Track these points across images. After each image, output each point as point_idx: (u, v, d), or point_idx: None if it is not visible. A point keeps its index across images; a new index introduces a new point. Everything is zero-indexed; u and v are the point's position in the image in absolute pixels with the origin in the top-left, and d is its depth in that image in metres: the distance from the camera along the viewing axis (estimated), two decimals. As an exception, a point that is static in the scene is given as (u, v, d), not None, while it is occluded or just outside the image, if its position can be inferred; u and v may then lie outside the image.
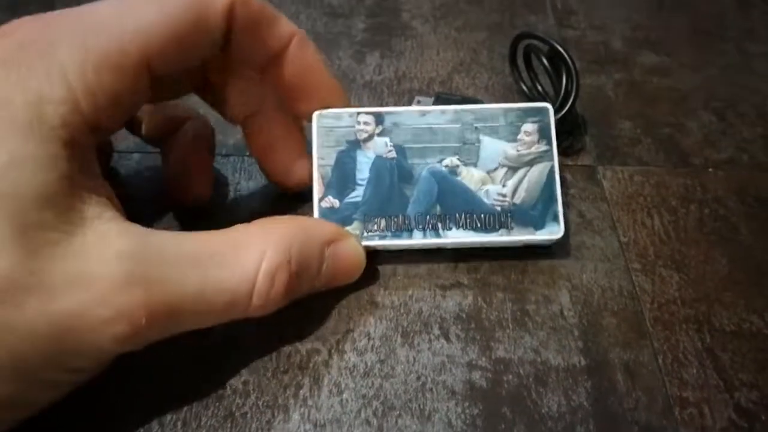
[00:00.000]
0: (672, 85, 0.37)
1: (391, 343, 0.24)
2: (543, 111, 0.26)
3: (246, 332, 0.24)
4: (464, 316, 0.25)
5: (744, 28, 0.43)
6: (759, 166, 0.32)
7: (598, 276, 0.26)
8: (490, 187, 0.26)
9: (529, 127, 0.26)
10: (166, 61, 0.21)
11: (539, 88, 0.34)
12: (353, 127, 0.26)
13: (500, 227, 0.26)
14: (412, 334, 0.24)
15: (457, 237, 0.25)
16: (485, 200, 0.26)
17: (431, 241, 0.26)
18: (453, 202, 0.26)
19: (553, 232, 0.26)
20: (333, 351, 0.24)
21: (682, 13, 0.44)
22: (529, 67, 0.35)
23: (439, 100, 0.32)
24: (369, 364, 0.23)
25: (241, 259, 0.21)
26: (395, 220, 0.26)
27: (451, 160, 0.26)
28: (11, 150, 0.17)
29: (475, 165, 0.26)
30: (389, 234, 0.26)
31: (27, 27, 0.20)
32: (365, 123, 0.26)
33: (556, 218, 0.26)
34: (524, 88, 0.35)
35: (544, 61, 0.33)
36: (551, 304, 0.25)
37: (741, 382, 0.23)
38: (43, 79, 0.18)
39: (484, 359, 0.24)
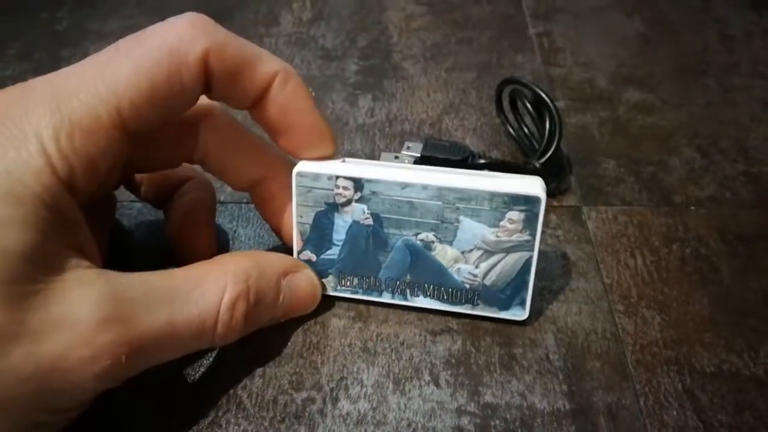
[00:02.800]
0: (656, 122, 0.39)
1: (383, 390, 0.25)
2: (532, 200, 0.24)
3: (244, 383, 0.25)
4: (453, 361, 0.26)
5: (727, 62, 0.44)
6: (741, 203, 0.33)
7: (582, 318, 0.27)
8: (462, 266, 0.26)
9: (514, 215, 0.25)
10: (143, 119, 0.22)
11: (525, 130, 0.35)
12: (332, 190, 0.25)
13: (466, 302, 0.27)
14: (403, 381, 0.25)
15: (423, 304, 0.27)
16: (455, 277, 0.26)
17: (399, 302, 0.27)
18: (423, 274, 0.26)
19: (516, 315, 0.26)
20: (327, 399, 0.25)
21: (667, 49, 0.45)
22: (515, 110, 0.36)
23: (429, 145, 0.33)
24: (362, 411, 0.24)
25: (205, 293, 0.22)
26: (367, 280, 0.27)
27: (427, 236, 0.26)
28: None
29: (450, 243, 0.26)
30: (360, 291, 0.27)
31: (6, 96, 0.21)
32: (344, 188, 0.25)
33: (522, 303, 0.26)
34: (511, 131, 0.36)
35: (528, 106, 0.34)
36: (537, 347, 0.26)
37: (720, 423, 0.24)
38: (20, 148, 0.19)
39: (472, 404, 0.24)
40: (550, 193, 0.33)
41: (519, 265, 0.25)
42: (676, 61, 0.44)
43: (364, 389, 0.25)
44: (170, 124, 0.25)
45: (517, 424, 0.24)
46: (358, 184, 0.25)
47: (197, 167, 0.28)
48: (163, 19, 0.23)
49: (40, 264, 0.19)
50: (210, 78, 0.23)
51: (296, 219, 0.26)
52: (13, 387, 0.18)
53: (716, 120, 0.39)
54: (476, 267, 0.26)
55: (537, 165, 0.32)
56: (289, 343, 0.27)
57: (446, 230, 0.25)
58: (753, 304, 0.28)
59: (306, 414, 0.24)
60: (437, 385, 0.25)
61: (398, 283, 0.27)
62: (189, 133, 0.26)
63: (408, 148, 0.33)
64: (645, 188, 0.34)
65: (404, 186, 0.25)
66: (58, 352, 0.19)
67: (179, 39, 0.22)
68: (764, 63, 0.44)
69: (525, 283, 0.26)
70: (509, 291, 0.26)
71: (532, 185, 0.25)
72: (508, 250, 0.25)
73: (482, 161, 0.32)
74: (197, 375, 0.26)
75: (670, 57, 0.44)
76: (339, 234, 0.26)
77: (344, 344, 0.27)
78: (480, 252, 0.25)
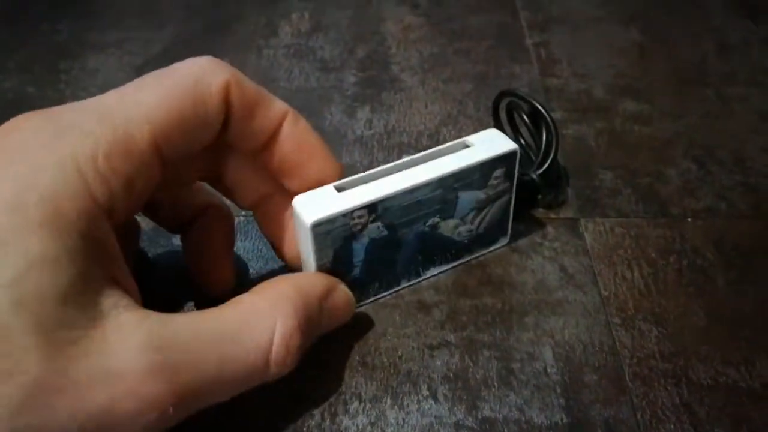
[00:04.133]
0: (652, 133, 0.39)
1: (381, 405, 0.25)
2: (510, 155, 0.28)
3: (244, 399, 0.25)
4: (451, 375, 0.26)
5: (724, 72, 0.44)
6: (737, 214, 0.33)
7: (579, 331, 0.28)
8: (461, 228, 0.29)
9: (498, 172, 0.28)
10: (172, 145, 0.22)
11: (522, 141, 0.36)
12: (348, 224, 0.25)
13: (466, 253, 0.30)
14: (401, 395, 0.25)
15: (432, 272, 0.30)
16: (457, 239, 0.29)
17: (412, 282, 0.30)
18: (432, 250, 0.29)
19: (501, 242, 0.31)
20: (326, 414, 0.25)
21: (664, 58, 0.46)
22: (512, 122, 0.36)
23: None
24: (360, 426, 0.24)
25: (254, 334, 0.22)
26: (386, 280, 0.29)
27: (433, 220, 0.28)
28: (29, 252, 0.17)
29: (452, 216, 0.28)
30: (382, 290, 0.29)
31: (33, 121, 0.20)
32: (359, 217, 0.25)
33: (505, 233, 0.31)
34: (508, 142, 0.36)
35: (525, 118, 0.34)
36: (535, 361, 0.26)
37: (717, 436, 0.24)
38: (55, 172, 0.19)
39: (470, 419, 0.25)
40: (547, 205, 0.34)
41: (503, 206, 0.29)
42: (673, 71, 0.44)
43: (363, 404, 0.25)
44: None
45: (514, 438, 0.24)
46: (371, 208, 0.25)
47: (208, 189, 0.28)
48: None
49: (77, 307, 0.18)
50: (229, 111, 0.24)
51: (316, 263, 0.26)
52: None
53: (713, 130, 0.39)
54: (471, 223, 0.29)
55: (534, 176, 0.32)
56: (287, 358, 0.27)
57: (447, 208, 0.28)
58: (749, 316, 0.28)
59: (305, 429, 0.24)
60: (435, 399, 0.25)
61: (411, 266, 0.29)
62: (213, 150, 0.26)
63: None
64: (642, 199, 0.34)
65: (413, 190, 0.26)
66: (104, 406, 0.18)
67: (203, 71, 0.23)
68: (761, 72, 0.44)
69: (507, 216, 0.30)
70: (497, 228, 0.30)
71: (499, 140, 0.28)
72: (495, 199, 0.29)
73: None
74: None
75: (667, 67, 0.45)
76: (358, 257, 0.27)
77: (343, 358, 0.27)
78: (474, 211, 0.29)
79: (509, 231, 0.31)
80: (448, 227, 0.28)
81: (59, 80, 0.44)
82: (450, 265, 0.30)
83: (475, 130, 0.38)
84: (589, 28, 0.49)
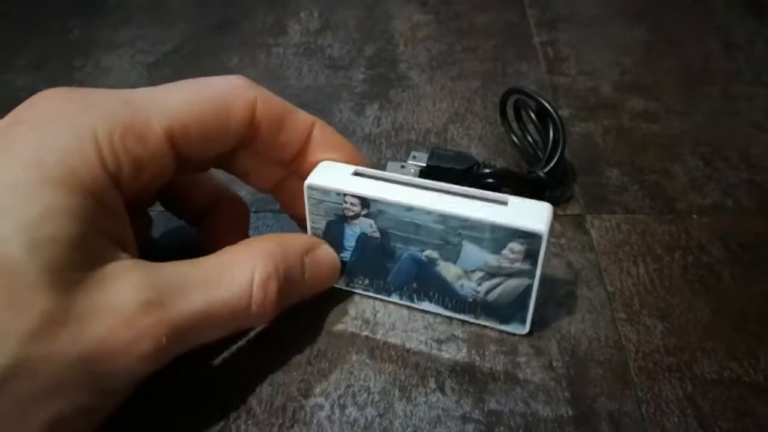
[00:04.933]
0: (659, 130, 0.39)
1: (390, 398, 0.26)
2: (534, 236, 0.24)
3: (254, 390, 0.26)
4: (459, 369, 0.26)
5: (730, 69, 0.45)
6: (743, 210, 0.34)
7: (585, 326, 0.28)
8: (465, 282, 0.26)
9: (515, 246, 0.25)
10: (191, 146, 0.24)
11: (530, 139, 0.36)
12: (340, 204, 0.26)
13: (469, 312, 0.28)
14: (409, 388, 0.26)
15: (429, 308, 0.28)
16: (459, 291, 0.27)
17: (407, 303, 0.28)
18: (429, 284, 0.27)
19: (517, 329, 0.27)
20: (335, 406, 0.25)
21: (670, 57, 0.46)
22: (519, 119, 0.36)
23: (434, 154, 0.34)
24: (369, 418, 0.25)
25: (235, 277, 0.23)
26: (377, 282, 0.28)
27: (431, 253, 0.26)
28: (46, 203, 0.19)
29: (454, 262, 0.26)
30: (371, 290, 0.29)
31: (62, 95, 0.23)
32: (351, 204, 0.26)
33: (523, 321, 0.27)
34: (515, 139, 0.36)
35: (532, 115, 0.34)
36: (541, 355, 0.27)
37: (721, 430, 0.24)
38: (74, 140, 0.21)
39: (477, 412, 0.25)
40: (554, 202, 0.34)
41: (520, 289, 0.26)
42: (680, 69, 0.44)
43: (371, 396, 0.26)
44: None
45: (521, 431, 0.24)
46: (364, 202, 0.26)
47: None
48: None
49: (86, 253, 0.20)
50: (258, 126, 0.26)
51: (310, 224, 0.28)
52: (62, 370, 0.19)
53: (719, 128, 0.39)
54: (479, 285, 0.26)
55: (541, 174, 0.33)
56: (297, 351, 0.27)
57: (449, 251, 0.26)
58: (754, 311, 0.28)
59: (314, 421, 0.25)
60: (443, 392, 0.26)
61: (405, 288, 0.28)
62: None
63: (414, 157, 0.34)
64: (648, 196, 0.34)
65: (409, 208, 0.25)
66: (102, 335, 0.20)
67: (232, 86, 0.25)
68: (767, 71, 0.44)
69: (526, 305, 0.26)
70: (510, 309, 0.27)
71: (536, 217, 0.24)
72: (510, 275, 0.26)
73: (487, 170, 0.33)
74: (208, 382, 0.26)
75: (673, 65, 0.45)
76: (349, 241, 0.27)
77: (351, 351, 0.27)
78: (482, 273, 0.26)
79: (528, 322, 0.27)
80: (449, 272, 0.26)
81: (72, 79, 0.45)
82: (448, 313, 0.28)
83: (483, 128, 0.39)
84: (595, 27, 0.49)
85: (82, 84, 0.44)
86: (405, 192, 0.26)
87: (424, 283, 0.27)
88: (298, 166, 0.28)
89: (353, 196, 0.26)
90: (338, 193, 0.26)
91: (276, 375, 0.26)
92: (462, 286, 0.27)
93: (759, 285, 0.30)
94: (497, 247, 0.25)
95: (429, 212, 0.25)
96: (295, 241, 0.27)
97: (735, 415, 0.25)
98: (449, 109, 0.41)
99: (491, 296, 0.27)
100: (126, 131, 0.22)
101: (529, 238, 0.24)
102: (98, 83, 0.45)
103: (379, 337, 0.28)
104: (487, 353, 0.27)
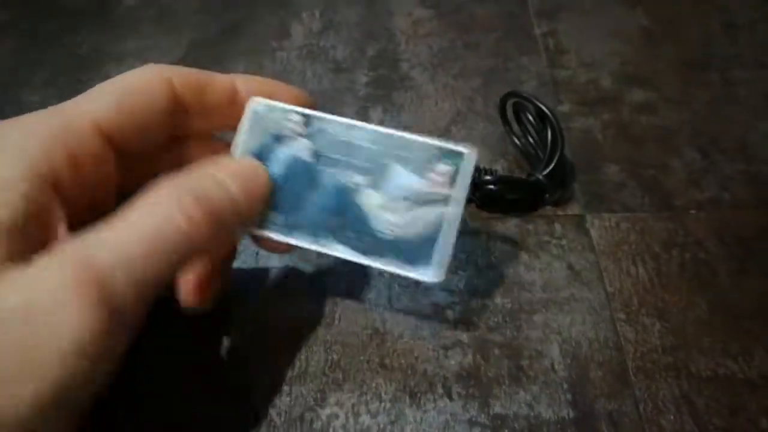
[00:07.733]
0: (658, 123, 0.40)
1: (401, 404, 0.27)
2: (460, 155, 0.25)
3: (273, 401, 0.27)
4: (465, 374, 0.28)
5: (730, 54, 0.45)
6: (740, 204, 0.34)
7: (586, 328, 0.29)
8: (386, 215, 0.26)
9: (442, 168, 0.25)
10: (125, 136, 0.25)
11: (531, 140, 0.37)
12: (281, 121, 0.27)
13: (380, 254, 0.26)
14: (419, 395, 0.27)
15: (334, 250, 0.26)
16: (375, 226, 0.26)
17: (316, 248, 0.26)
18: (345, 221, 0.26)
19: (420, 274, 0.25)
20: (349, 414, 0.27)
21: (670, 43, 0.46)
22: (519, 121, 0.37)
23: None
24: (382, 425, 0.27)
25: (160, 210, 0.23)
26: (291, 218, 0.27)
27: (358, 179, 0.26)
28: None
29: (379, 189, 0.26)
30: (284, 230, 0.27)
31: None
32: (294, 122, 0.27)
33: (427, 259, 0.25)
34: (516, 141, 0.37)
35: (531, 118, 0.35)
36: (543, 358, 0.28)
37: (715, 426, 0.26)
38: (4, 145, 0.22)
39: (483, 416, 0.27)
40: (555, 203, 0.35)
41: (437, 220, 0.25)
42: (680, 55, 0.45)
43: (383, 404, 0.27)
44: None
45: (524, 433, 0.26)
46: (308, 120, 0.27)
47: None
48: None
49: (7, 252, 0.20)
50: (182, 98, 0.27)
51: (240, 145, 0.27)
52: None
53: (718, 116, 0.40)
54: (400, 217, 0.26)
55: (541, 177, 0.34)
56: (313, 362, 0.29)
57: (377, 175, 0.26)
58: (749, 307, 0.30)
59: (331, 429, 0.27)
60: (450, 397, 0.27)
61: (319, 228, 0.26)
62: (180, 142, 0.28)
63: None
64: (646, 192, 0.35)
65: (350, 127, 0.26)
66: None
67: (142, 70, 0.27)
68: (767, 53, 0.44)
69: (436, 238, 0.25)
70: (421, 245, 0.25)
71: (471, 145, 0.25)
72: (431, 203, 0.25)
73: (488, 177, 0.34)
74: (229, 395, 0.28)
75: (672, 50, 0.45)
76: (276, 167, 0.27)
77: (363, 361, 0.29)
78: (406, 203, 0.26)
79: (438, 264, 0.25)
80: (370, 202, 0.26)
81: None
82: (353, 257, 0.26)
83: (485, 128, 0.40)
84: (595, 13, 0.49)
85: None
86: (347, 118, 0.27)
87: (340, 220, 0.26)
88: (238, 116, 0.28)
89: (298, 113, 0.27)
90: (284, 110, 0.27)
91: (293, 386, 0.28)
92: (381, 219, 0.26)
93: (754, 279, 0.31)
94: (425, 170, 0.25)
95: (368, 131, 0.26)
96: (208, 165, 0.25)
97: (729, 411, 0.26)
98: (451, 109, 0.42)
99: (408, 231, 0.25)
100: (53, 131, 0.23)
101: (455, 158, 0.25)
102: (110, 96, 0.46)
103: (388, 345, 0.29)
104: (491, 357, 0.28)
